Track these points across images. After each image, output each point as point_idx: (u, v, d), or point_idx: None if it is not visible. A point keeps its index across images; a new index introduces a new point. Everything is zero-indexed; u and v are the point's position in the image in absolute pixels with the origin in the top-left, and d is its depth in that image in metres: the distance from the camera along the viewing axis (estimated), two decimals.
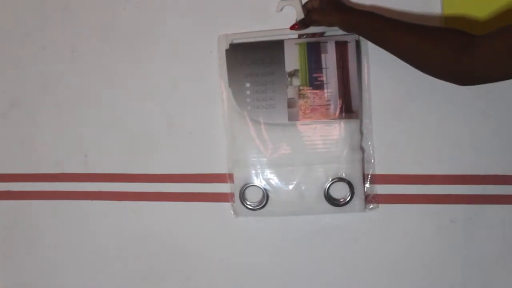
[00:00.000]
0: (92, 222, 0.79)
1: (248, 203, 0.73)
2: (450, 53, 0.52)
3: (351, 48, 0.69)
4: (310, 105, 0.70)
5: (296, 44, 0.70)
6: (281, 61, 0.70)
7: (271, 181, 0.72)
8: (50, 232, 0.80)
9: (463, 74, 0.53)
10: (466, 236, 0.71)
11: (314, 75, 0.70)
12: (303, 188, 0.72)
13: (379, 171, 0.72)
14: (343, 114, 0.70)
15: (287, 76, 0.70)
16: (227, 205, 0.74)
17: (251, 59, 0.71)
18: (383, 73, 0.71)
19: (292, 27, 0.69)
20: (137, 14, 0.75)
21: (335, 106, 0.70)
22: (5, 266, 0.82)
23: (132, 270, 0.79)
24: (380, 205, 0.72)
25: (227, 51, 0.72)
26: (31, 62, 0.78)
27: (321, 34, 0.71)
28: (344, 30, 0.65)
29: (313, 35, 0.71)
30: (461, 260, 0.72)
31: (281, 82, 0.70)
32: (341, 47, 0.70)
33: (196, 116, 0.75)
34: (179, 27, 0.74)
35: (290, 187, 0.72)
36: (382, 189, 0.72)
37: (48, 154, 0.79)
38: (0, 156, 0.80)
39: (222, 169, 0.74)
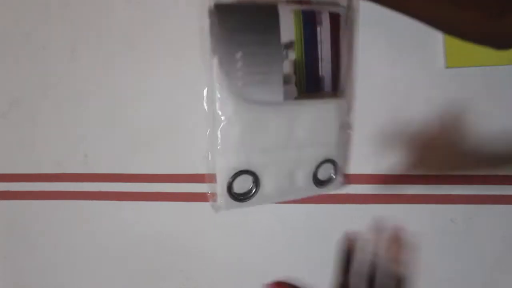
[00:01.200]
0: (92, 222, 0.79)
1: (235, 193, 0.65)
2: (484, 17, 0.47)
3: (343, 22, 0.64)
4: (306, 83, 0.63)
5: (291, 11, 0.62)
6: (276, 30, 0.60)
7: (261, 165, 0.65)
8: (50, 232, 0.80)
9: (499, 39, 0.48)
10: (466, 236, 0.71)
11: (310, 48, 0.63)
12: (294, 171, 0.67)
13: (378, 171, 0.72)
14: (336, 93, 0.65)
15: (282, 48, 0.61)
16: None
17: (242, 24, 0.59)
18: (381, 70, 0.71)
19: None
20: (137, 14, 0.75)
21: (328, 84, 0.64)
22: (5, 266, 0.82)
23: (132, 270, 0.79)
24: (380, 205, 0.72)
25: (211, 12, 0.61)
26: (31, 62, 0.78)
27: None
28: None
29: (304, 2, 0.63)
30: (461, 260, 0.72)
31: (276, 54, 0.60)
32: (334, 19, 0.63)
33: (196, 116, 0.75)
34: (179, 27, 0.75)
35: (282, 171, 0.66)
36: (382, 189, 0.72)
37: (48, 154, 0.79)
38: (0, 156, 0.80)
39: None
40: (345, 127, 0.70)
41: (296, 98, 0.62)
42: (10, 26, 0.79)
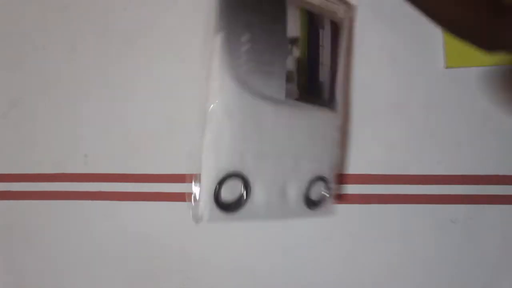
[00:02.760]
0: (92, 222, 0.79)
1: (222, 201, 0.56)
2: (482, 11, 0.43)
3: (342, 32, 0.63)
4: (307, 85, 0.59)
5: (297, 7, 0.58)
6: (283, 22, 0.56)
7: (254, 170, 0.57)
8: (50, 232, 0.80)
9: (493, 37, 0.44)
10: (466, 236, 0.71)
11: (313, 50, 0.59)
12: (287, 185, 0.60)
13: (378, 171, 0.72)
14: (333, 104, 0.62)
15: (288, 42, 0.57)
16: None
17: (251, 6, 0.54)
18: (381, 70, 0.71)
19: None
20: (137, 14, 0.75)
21: (327, 91, 0.61)
22: (5, 266, 0.82)
23: (132, 270, 0.79)
24: (380, 205, 0.72)
25: None
26: (31, 62, 0.78)
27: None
28: None
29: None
30: (461, 260, 0.72)
31: (282, 46, 0.56)
32: (335, 26, 0.62)
33: (196, 116, 0.75)
34: (180, 27, 0.75)
35: (275, 182, 0.59)
36: (382, 189, 0.72)
37: (48, 154, 0.79)
38: (0, 156, 0.80)
39: None
40: (338, 144, 0.66)
41: (296, 99, 0.58)
42: (10, 26, 0.79)
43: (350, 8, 0.67)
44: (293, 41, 0.58)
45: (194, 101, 0.76)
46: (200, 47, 0.75)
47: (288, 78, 0.57)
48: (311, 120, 0.59)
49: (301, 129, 0.59)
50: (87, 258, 0.81)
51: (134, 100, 0.76)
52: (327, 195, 0.63)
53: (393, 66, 0.70)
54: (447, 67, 0.68)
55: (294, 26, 0.58)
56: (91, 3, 0.76)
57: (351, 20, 0.68)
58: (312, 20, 0.59)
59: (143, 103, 0.76)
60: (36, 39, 0.78)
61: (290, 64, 0.57)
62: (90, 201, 0.79)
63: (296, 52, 0.58)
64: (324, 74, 0.60)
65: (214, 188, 0.56)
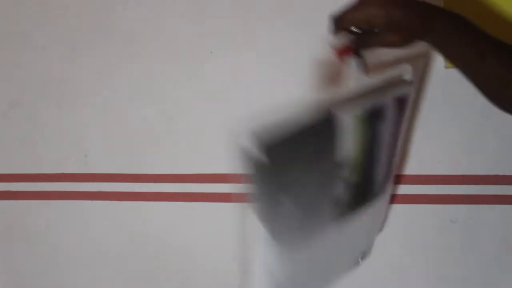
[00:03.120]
0: (92, 222, 0.79)
1: None
2: None
3: (408, 104, 0.50)
4: (361, 197, 0.52)
5: (351, 116, 0.43)
6: (331, 150, 0.43)
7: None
8: (50, 232, 0.80)
9: None
10: (466, 236, 0.71)
11: (371, 156, 0.48)
12: (328, 274, 0.60)
13: None
14: (387, 185, 0.57)
15: (337, 167, 0.45)
16: (227, 205, 0.74)
17: (290, 157, 0.40)
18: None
19: (340, 53, 0.45)
20: (137, 14, 0.75)
21: (382, 186, 0.55)
22: (5, 266, 0.82)
23: (132, 270, 0.79)
24: None
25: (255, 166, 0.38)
26: (31, 62, 0.78)
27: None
28: (414, 36, 0.44)
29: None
30: (461, 260, 0.72)
31: (330, 178, 0.45)
32: (401, 104, 0.48)
33: (196, 116, 0.75)
34: (179, 27, 0.75)
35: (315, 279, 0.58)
36: None
37: (48, 154, 0.79)
38: (0, 156, 0.80)
39: (222, 169, 0.74)
40: (385, 210, 0.66)
41: (344, 215, 0.51)
42: (10, 26, 0.79)
43: (427, 57, 0.56)
44: (344, 162, 0.46)
45: (193, 102, 0.76)
46: (199, 47, 0.75)
47: (337, 203, 0.48)
48: (358, 222, 0.54)
49: (347, 236, 0.53)
50: (87, 257, 0.81)
51: (134, 100, 0.76)
52: (360, 261, 0.66)
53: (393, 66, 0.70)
54: (447, 67, 0.68)
55: (345, 143, 0.44)
56: (91, 3, 0.76)
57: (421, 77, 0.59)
58: (374, 120, 0.45)
59: (143, 103, 0.76)
60: (36, 39, 0.78)
61: (339, 188, 0.47)
62: (90, 201, 0.79)
63: (346, 173, 0.46)
64: (381, 170, 0.51)
65: None
